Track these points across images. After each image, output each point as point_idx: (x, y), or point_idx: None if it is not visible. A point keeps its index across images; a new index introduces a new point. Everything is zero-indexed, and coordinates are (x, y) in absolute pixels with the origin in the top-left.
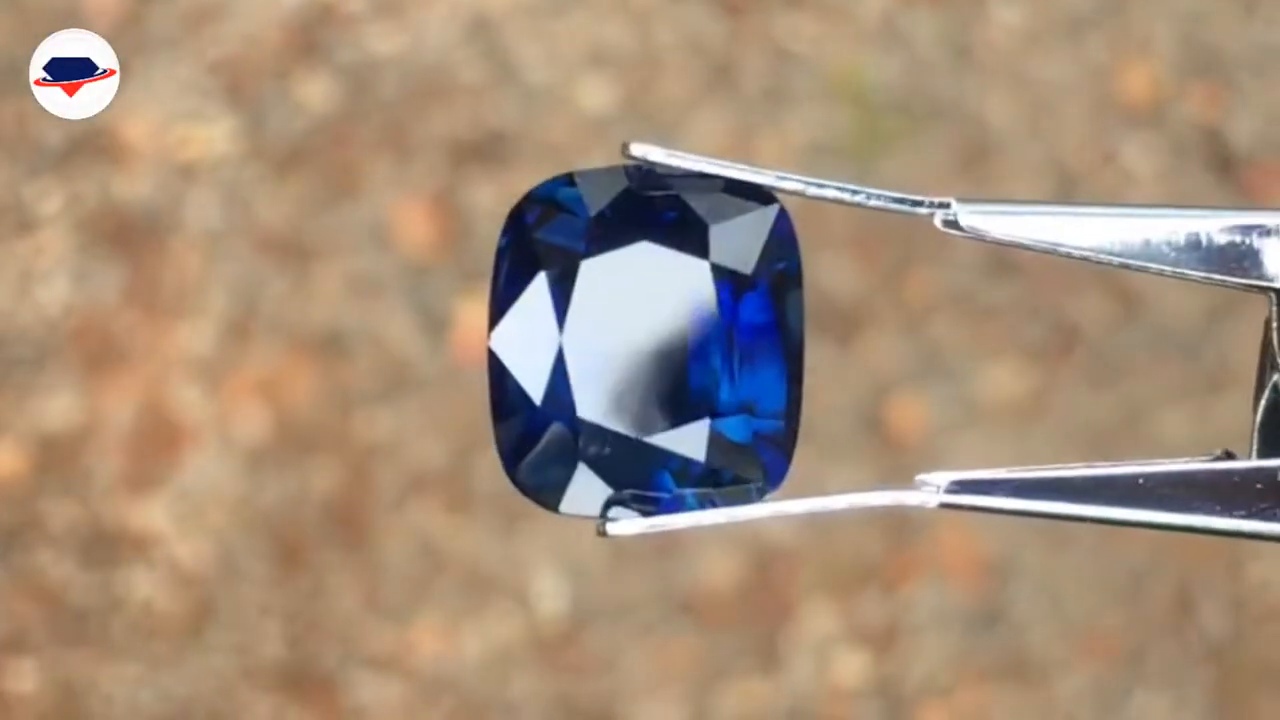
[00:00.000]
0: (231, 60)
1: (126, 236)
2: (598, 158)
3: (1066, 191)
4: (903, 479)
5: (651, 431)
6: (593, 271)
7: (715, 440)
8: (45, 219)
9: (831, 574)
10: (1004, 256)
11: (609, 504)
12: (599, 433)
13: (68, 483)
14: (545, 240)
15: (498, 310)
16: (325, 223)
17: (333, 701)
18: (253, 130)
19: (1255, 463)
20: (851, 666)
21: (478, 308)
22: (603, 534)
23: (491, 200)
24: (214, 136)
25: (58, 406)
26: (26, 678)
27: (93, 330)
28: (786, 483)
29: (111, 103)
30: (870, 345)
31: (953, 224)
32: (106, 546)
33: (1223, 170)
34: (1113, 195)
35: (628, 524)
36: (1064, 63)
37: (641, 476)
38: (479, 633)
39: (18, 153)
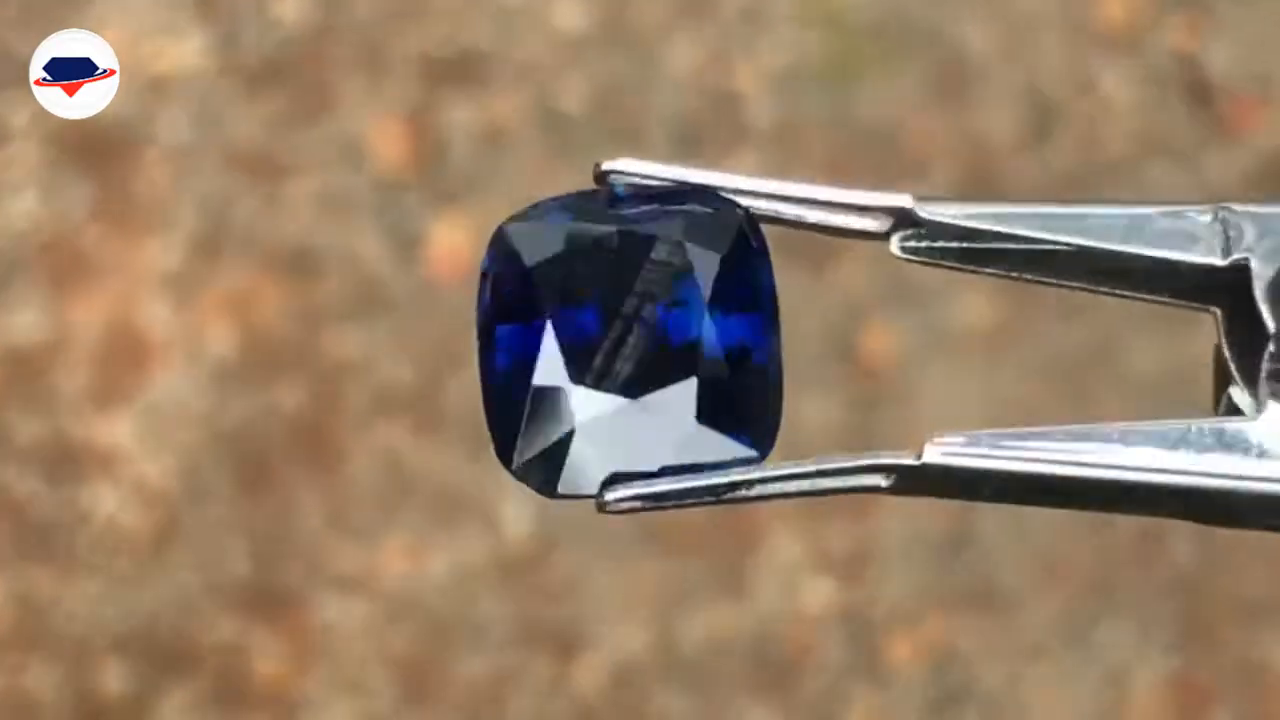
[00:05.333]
0: None
1: (97, 151)
2: (573, 79)
3: (1043, 119)
4: (874, 408)
5: (638, 417)
6: (573, 260)
7: (698, 422)
8: (14, 132)
9: (799, 500)
10: (981, 186)
11: (606, 482)
12: (588, 420)
13: (33, 398)
14: (526, 253)
15: (487, 329)
16: (297, 140)
17: (298, 620)
18: (226, 45)
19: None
20: (818, 593)
21: (450, 228)
22: (602, 509)
23: (466, 119)
24: (186, 51)
25: (24, 321)
26: None
27: (61, 245)
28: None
29: (84, 14)
30: (842, 273)
31: (909, 245)
32: (71, 462)
33: (1200, 100)
34: (1090, 124)
35: (625, 489)
36: None
37: (631, 458)
38: (446, 554)
39: None
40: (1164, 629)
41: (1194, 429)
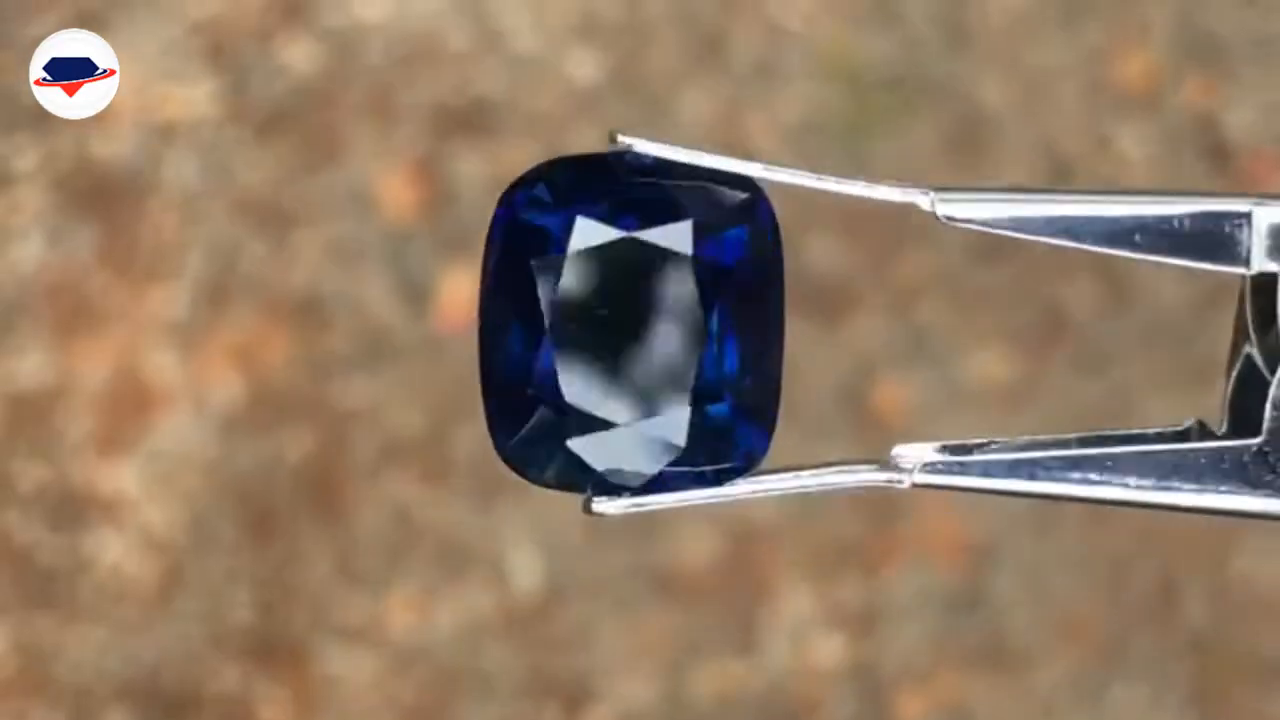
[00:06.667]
0: (214, 20)
1: (103, 196)
2: (584, 129)
3: (1059, 176)
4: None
5: (635, 417)
6: (577, 263)
7: (696, 423)
8: (20, 176)
9: (811, 554)
10: (993, 241)
11: (595, 483)
12: (584, 418)
13: (37, 444)
14: (534, 223)
15: (488, 290)
16: (306, 187)
17: (303, 671)
18: (234, 92)
19: (1223, 443)
20: (829, 649)
21: (459, 277)
22: (588, 512)
23: (476, 169)
24: (194, 97)
25: (29, 366)
26: None
27: (66, 290)
28: (770, 462)
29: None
30: (856, 327)
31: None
32: (75, 509)
33: (1217, 158)
34: (1106, 182)
35: (612, 503)
36: (1059, 47)
37: (626, 458)
38: (453, 604)
39: None
40: (1177, 689)
41: (1193, 455)
